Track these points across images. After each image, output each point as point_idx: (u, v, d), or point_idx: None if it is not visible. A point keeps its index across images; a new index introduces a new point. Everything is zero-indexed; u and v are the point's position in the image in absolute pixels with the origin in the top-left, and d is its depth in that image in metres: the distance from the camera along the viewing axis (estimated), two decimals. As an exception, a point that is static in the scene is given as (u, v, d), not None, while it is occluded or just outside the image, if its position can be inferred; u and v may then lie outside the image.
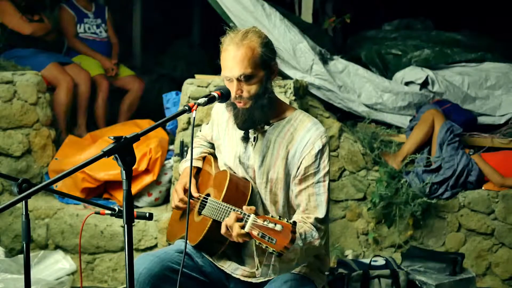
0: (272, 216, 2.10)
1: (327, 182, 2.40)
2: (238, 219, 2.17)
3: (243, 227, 2.15)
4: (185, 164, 2.74)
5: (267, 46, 2.37)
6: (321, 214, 2.38)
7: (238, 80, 2.32)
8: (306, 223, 2.35)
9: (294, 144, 2.42)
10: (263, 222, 2.09)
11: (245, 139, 2.48)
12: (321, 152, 2.39)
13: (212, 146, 2.78)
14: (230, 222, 2.18)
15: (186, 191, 2.61)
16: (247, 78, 2.32)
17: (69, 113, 5.05)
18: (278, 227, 2.05)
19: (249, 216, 2.14)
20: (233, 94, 2.33)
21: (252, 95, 2.34)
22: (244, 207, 2.21)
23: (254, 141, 2.47)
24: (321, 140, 2.40)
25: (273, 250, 2.04)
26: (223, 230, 2.24)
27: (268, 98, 2.38)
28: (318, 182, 2.39)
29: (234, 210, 2.29)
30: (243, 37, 2.33)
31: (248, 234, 2.13)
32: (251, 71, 2.31)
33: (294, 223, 2.06)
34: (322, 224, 2.38)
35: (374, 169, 4.29)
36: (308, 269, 2.49)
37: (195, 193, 2.61)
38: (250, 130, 2.46)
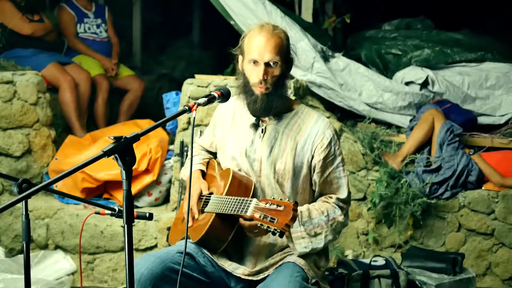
0: (273, 198, 2.19)
1: (344, 166, 2.59)
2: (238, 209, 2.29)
3: (245, 211, 2.24)
4: (185, 171, 2.76)
5: (289, 42, 2.56)
6: (342, 194, 2.56)
7: (266, 64, 2.45)
8: (328, 203, 2.53)
9: (303, 136, 2.53)
10: (266, 204, 2.15)
11: (255, 126, 2.56)
12: (333, 139, 2.55)
13: (211, 154, 2.84)
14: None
15: (201, 196, 2.64)
16: (274, 65, 2.46)
17: (78, 110, 5.05)
18: (281, 207, 2.12)
19: (251, 200, 2.23)
20: (258, 78, 2.46)
21: (275, 81, 2.48)
22: None
23: (262, 133, 2.54)
24: (330, 129, 2.56)
25: (275, 229, 2.08)
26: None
27: (285, 89, 2.55)
28: (337, 167, 2.56)
29: (236, 199, 2.33)
30: (274, 27, 2.51)
31: (252, 221, 2.20)
32: (279, 59, 2.48)
33: (296, 202, 2.14)
34: (344, 203, 2.57)
35: (374, 169, 4.29)
36: (302, 260, 2.52)
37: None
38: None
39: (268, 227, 2.08)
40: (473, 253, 4.19)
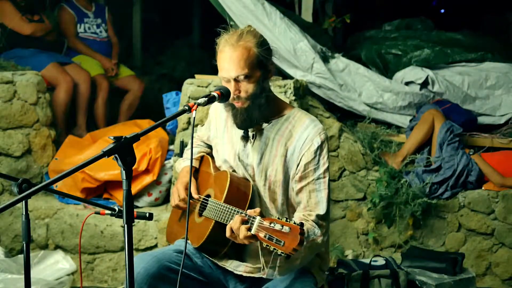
0: (278, 218, 2.09)
1: (327, 178, 2.42)
2: (244, 222, 2.18)
3: (249, 229, 2.14)
4: (183, 163, 2.75)
5: (263, 45, 2.38)
6: (322, 210, 2.39)
7: (236, 80, 2.34)
8: (308, 221, 2.36)
9: (293, 142, 2.43)
10: (270, 224, 2.08)
11: (245, 138, 2.49)
12: (320, 148, 2.40)
13: (209, 146, 2.78)
14: (236, 225, 2.18)
15: (187, 190, 2.61)
16: (244, 79, 2.34)
17: (68, 113, 5.05)
18: (286, 229, 2.05)
19: (254, 218, 2.15)
20: (231, 95, 2.34)
21: (249, 95, 2.36)
22: (249, 211, 2.21)
23: (252, 138, 2.48)
24: (319, 136, 2.41)
25: (282, 252, 2.03)
26: (228, 233, 2.24)
27: (265, 97, 2.40)
28: (318, 178, 2.40)
29: (238, 212, 2.29)
30: (238, 38, 2.35)
31: (254, 236, 2.13)
32: (248, 72, 2.33)
33: (302, 224, 2.06)
34: (323, 220, 2.39)
35: (374, 169, 4.29)
36: (309, 265, 2.49)
37: (195, 195, 2.61)
38: (249, 129, 2.47)
39: (274, 249, 2.05)
40: (473, 253, 4.19)
